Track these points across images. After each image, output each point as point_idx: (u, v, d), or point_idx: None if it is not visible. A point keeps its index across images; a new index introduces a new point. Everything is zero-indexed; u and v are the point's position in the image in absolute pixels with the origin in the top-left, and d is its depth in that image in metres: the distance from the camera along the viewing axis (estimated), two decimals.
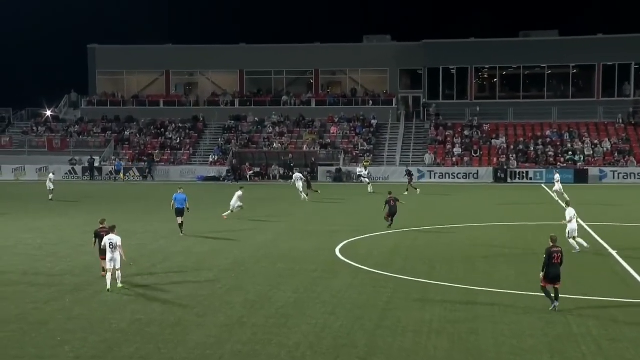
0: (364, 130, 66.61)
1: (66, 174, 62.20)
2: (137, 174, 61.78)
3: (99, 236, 21.57)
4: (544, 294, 18.17)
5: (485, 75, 73.15)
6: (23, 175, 62.01)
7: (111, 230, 20.79)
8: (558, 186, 43.26)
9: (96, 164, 62.59)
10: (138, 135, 68.09)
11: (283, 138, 65.98)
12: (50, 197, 44.28)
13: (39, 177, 59.39)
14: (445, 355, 15.02)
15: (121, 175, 61.16)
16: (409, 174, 49.56)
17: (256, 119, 68.93)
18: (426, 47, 68.80)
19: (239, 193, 34.94)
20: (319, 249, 26.98)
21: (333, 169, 61.11)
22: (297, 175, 45.00)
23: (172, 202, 30.43)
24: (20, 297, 19.90)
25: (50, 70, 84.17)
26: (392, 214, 31.35)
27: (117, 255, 20.20)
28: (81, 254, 25.82)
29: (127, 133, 68.32)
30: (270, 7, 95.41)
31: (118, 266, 20.26)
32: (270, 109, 69.93)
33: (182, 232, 30.08)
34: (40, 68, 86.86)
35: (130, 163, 63.39)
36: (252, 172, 61.27)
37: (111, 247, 20.20)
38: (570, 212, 26.02)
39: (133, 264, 22.31)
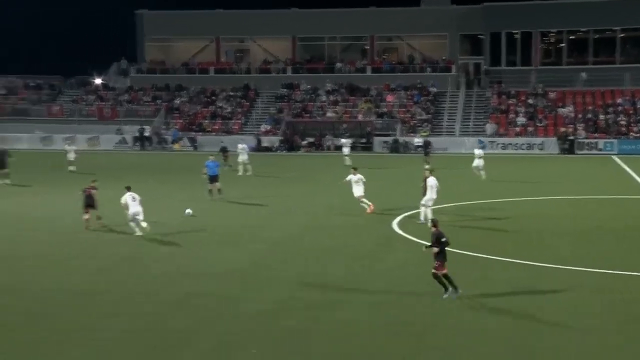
0: (421, 98, 66.02)
1: (117, 143, 63.22)
2: (188, 143, 62.39)
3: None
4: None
5: (552, 40, 71.55)
6: (97, 144, 62.78)
7: (128, 189, 24.71)
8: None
9: (146, 134, 63.37)
10: (188, 104, 68.73)
11: (337, 107, 65.81)
12: (71, 168, 43.43)
13: (89, 147, 60.62)
14: (507, 335, 14.93)
15: (177, 145, 61.82)
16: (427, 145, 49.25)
17: (309, 87, 68.88)
18: (487, 11, 67.58)
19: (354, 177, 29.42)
20: (375, 221, 26.97)
21: (389, 139, 60.78)
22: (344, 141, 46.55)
23: (204, 169, 32.08)
24: (74, 268, 20.44)
25: (99, 37, 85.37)
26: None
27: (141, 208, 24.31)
28: (132, 228, 26.27)
29: (177, 102, 69.01)
30: None
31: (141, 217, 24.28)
32: (324, 77, 69.68)
33: (212, 197, 31.44)
34: (89, 35, 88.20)
35: (180, 132, 64.06)
36: (305, 142, 61.35)
37: (134, 200, 24.26)
38: None
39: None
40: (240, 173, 41.54)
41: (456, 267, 17.95)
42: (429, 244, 17.19)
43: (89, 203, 25.83)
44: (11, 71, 74.89)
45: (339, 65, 70.99)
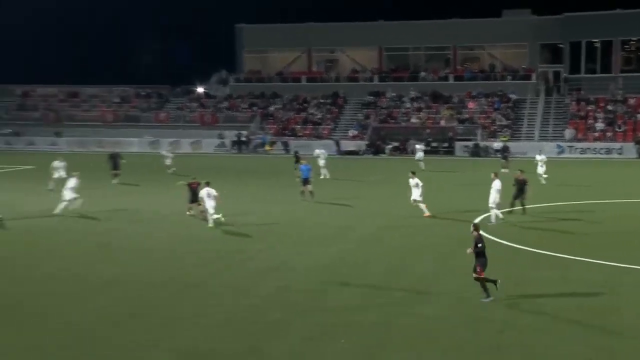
0: (502, 105, 64.82)
1: (216, 147, 64.43)
2: (281, 147, 63.02)
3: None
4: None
5: (632, 48, 69.04)
6: (199, 148, 63.88)
7: (207, 184, 26.05)
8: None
9: (242, 138, 64.33)
10: (282, 111, 69.45)
11: (421, 113, 65.32)
12: (169, 171, 43.65)
13: (193, 150, 62.04)
14: (586, 335, 14.49)
15: (267, 147, 62.58)
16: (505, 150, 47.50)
17: (394, 94, 68.60)
18: (567, 20, 65.80)
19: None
20: (456, 222, 26.61)
21: (470, 143, 59.93)
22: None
23: (299, 172, 32.28)
24: (178, 261, 20.92)
25: (202, 50, 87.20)
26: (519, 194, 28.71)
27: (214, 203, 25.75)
28: (231, 224, 26.71)
29: (271, 108, 69.81)
30: None
31: (212, 211, 25.69)
32: (409, 85, 69.30)
33: (304, 198, 31.43)
34: (193, 48, 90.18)
35: (274, 137, 64.74)
36: (390, 146, 61.09)
37: (209, 196, 25.64)
38: None
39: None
40: (322, 177, 41.50)
41: (538, 267, 17.56)
42: (478, 245, 16.42)
43: (194, 198, 26.90)
44: (125, 82, 77.33)
45: (422, 74, 70.45)
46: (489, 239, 23.42)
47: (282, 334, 14.56)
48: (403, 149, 60.93)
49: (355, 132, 64.09)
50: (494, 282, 16.50)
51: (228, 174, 43.36)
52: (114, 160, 40.13)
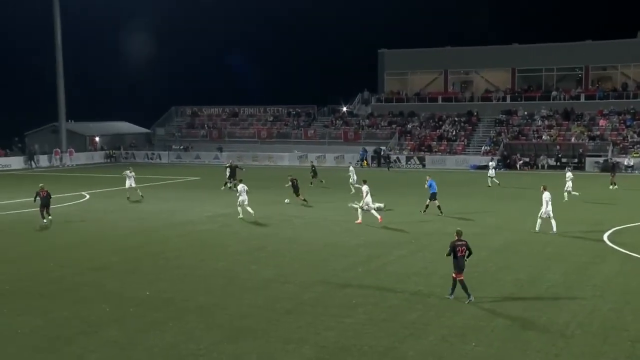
0: (634, 122, 61.21)
1: (358, 161, 64.99)
2: (418, 162, 62.66)
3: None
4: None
5: None
6: (342, 162, 64.01)
7: (240, 181, 30.73)
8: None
9: (382, 153, 64.46)
10: (419, 128, 69.05)
11: (552, 130, 62.89)
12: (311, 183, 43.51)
13: (336, 164, 62.97)
14: None
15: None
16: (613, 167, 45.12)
17: (526, 113, 66.50)
18: None
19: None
20: (586, 234, 25.44)
21: (601, 159, 56.98)
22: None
23: (428, 187, 31.41)
24: (323, 264, 21.30)
25: (347, 73, 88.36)
26: None
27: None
28: (374, 231, 26.86)
29: (409, 126, 69.58)
30: (542, 6, 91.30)
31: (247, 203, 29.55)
32: (540, 104, 67.03)
33: (440, 212, 30.65)
34: (339, 71, 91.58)
35: (412, 152, 64.46)
36: (521, 162, 59.23)
37: (244, 190, 29.62)
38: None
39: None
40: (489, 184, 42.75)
41: None
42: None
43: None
44: (278, 102, 79.73)
45: (554, 93, 67.87)
46: (620, 251, 22.22)
47: (418, 335, 14.48)
48: (533, 164, 58.93)
49: (488, 148, 62.63)
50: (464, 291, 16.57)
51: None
52: (233, 171, 41.68)
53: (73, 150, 69.41)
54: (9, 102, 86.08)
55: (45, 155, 66.88)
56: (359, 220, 28.40)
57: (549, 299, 16.85)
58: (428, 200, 31.24)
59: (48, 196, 29.98)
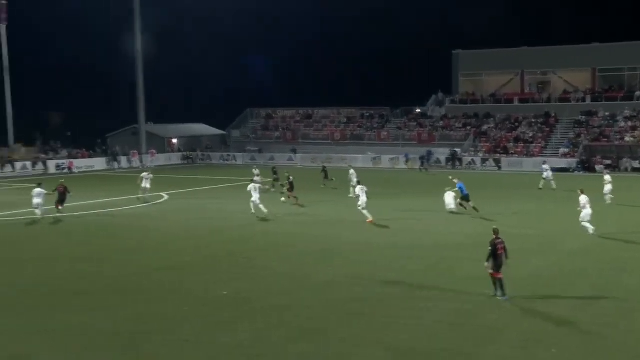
0: None
1: (433, 162, 64.29)
2: (494, 164, 61.47)
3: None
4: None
5: None
6: (415, 164, 63.27)
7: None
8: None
9: (457, 155, 63.60)
10: (494, 130, 67.75)
11: (635, 132, 60.47)
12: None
13: (410, 165, 62.54)
14: None
15: (408, 164, 62.38)
16: None
17: (607, 113, 64.19)
18: None
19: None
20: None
21: None
22: None
23: (458, 190, 31.41)
24: (392, 266, 21.14)
25: (421, 74, 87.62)
26: None
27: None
28: (441, 234, 26.51)
29: (484, 127, 68.36)
30: (622, 2, 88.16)
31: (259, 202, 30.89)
32: (623, 104, 64.54)
33: (477, 210, 30.45)
34: (413, 73, 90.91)
35: (488, 154, 63.30)
36: (602, 165, 57.20)
37: (255, 190, 30.77)
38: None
39: None
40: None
41: None
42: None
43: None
44: (351, 104, 79.77)
45: (638, 93, 65.26)
46: None
47: (492, 339, 14.16)
48: (616, 167, 56.82)
49: (566, 150, 60.81)
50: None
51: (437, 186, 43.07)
52: (326, 172, 42.83)
53: (154, 151, 71.43)
54: (93, 105, 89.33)
55: (126, 157, 69.04)
56: (370, 219, 28.77)
57: (628, 304, 16.20)
58: (465, 202, 31.00)
59: (65, 192, 31.19)
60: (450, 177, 34.03)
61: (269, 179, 42.66)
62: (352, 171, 40.83)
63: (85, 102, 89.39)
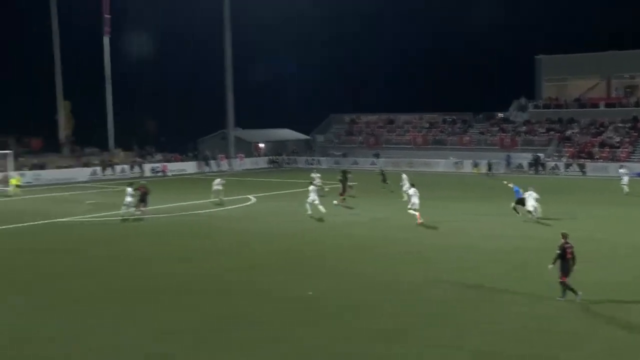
0: None
1: (515, 167, 62.92)
2: (577, 169, 59.63)
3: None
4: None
5: None
6: (499, 169, 62.48)
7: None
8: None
9: (540, 160, 62.05)
10: (578, 135, 65.71)
11: None
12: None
13: (494, 170, 61.45)
14: None
15: (475, 169, 61.32)
16: None
17: None
18: None
19: None
20: None
21: None
22: None
23: (515, 192, 31.51)
24: (474, 269, 20.97)
25: (503, 79, 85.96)
26: None
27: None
28: (522, 237, 26.04)
29: (568, 132, 66.41)
30: None
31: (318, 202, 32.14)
32: None
33: (534, 216, 29.95)
34: (495, 78, 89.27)
35: (571, 159, 61.48)
36: None
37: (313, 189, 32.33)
38: None
39: None
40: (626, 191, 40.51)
41: None
42: None
43: None
44: (433, 109, 79.18)
45: None
46: None
47: (576, 345, 13.89)
48: None
49: None
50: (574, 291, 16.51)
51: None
52: (344, 176, 42.00)
53: (242, 155, 73.08)
54: (185, 112, 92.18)
55: (215, 160, 70.87)
56: (420, 220, 29.37)
57: None
58: (518, 207, 30.65)
59: (146, 193, 32.56)
60: (505, 182, 34.54)
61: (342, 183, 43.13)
62: (404, 176, 41.01)
63: (178, 109, 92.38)
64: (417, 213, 29.64)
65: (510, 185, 32.66)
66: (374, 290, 18.61)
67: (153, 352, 14.06)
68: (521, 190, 31.03)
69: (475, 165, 62.79)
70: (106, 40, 69.40)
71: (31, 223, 32.38)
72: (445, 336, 14.60)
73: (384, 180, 44.40)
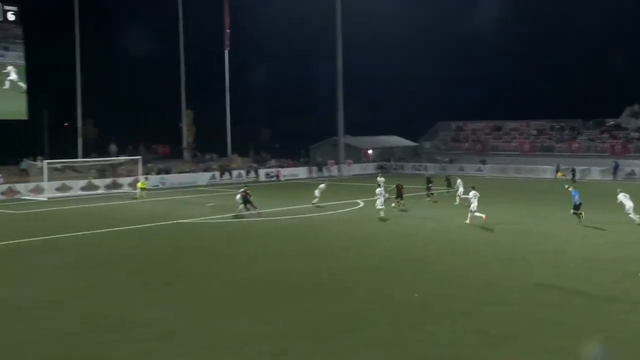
0: None
1: (625, 175, 59.92)
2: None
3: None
4: None
5: None
6: (608, 175, 60.28)
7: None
8: None
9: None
10: None
11: None
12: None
13: (601, 177, 58.88)
14: None
15: (559, 174, 59.66)
16: None
17: None
18: None
19: None
20: None
21: None
22: None
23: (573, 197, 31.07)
24: (586, 276, 20.21)
25: (613, 85, 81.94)
26: None
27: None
28: (632, 246, 24.85)
29: None
30: None
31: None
32: None
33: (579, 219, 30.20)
34: (604, 84, 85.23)
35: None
36: None
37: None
38: None
39: None
40: None
41: None
42: None
43: None
44: (542, 117, 76.69)
45: None
46: None
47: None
48: None
49: None
50: None
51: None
52: (449, 181, 43.72)
53: (351, 161, 73.69)
54: (297, 120, 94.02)
55: (325, 166, 71.84)
56: (468, 221, 30.70)
57: None
58: (576, 211, 30.42)
59: (246, 196, 35.06)
60: (567, 186, 34.56)
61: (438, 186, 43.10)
62: (459, 181, 41.41)
63: (291, 117, 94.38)
64: (478, 214, 30.43)
65: (570, 189, 32.34)
66: (480, 294, 18.35)
67: (265, 350, 14.47)
68: (577, 196, 30.89)
69: (558, 170, 60.68)
70: (226, 54, 72.16)
71: (160, 223, 34.22)
72: (555, 342, 14.13)
73: (449, 185, 45.26)
